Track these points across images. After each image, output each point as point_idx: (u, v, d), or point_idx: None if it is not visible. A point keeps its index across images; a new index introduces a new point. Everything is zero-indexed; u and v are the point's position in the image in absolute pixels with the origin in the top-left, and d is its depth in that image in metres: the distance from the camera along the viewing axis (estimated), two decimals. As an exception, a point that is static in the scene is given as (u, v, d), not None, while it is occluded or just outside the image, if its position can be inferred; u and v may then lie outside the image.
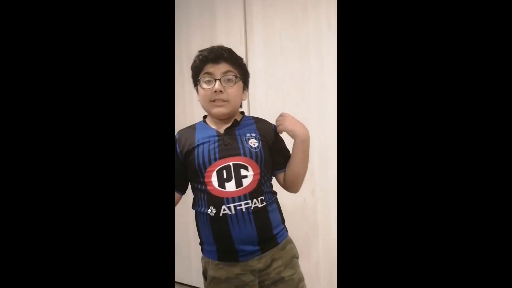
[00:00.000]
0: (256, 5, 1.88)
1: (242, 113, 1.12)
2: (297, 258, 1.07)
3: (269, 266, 0.99)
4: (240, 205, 0.95)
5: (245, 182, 0.97)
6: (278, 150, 1.07)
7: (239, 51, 1.91)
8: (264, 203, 0.99)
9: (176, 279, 2.27)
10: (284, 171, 1.07)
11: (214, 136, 1.02)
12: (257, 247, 0.97)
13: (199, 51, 1.04)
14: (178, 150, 1.04)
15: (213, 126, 1.05)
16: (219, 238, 0.98)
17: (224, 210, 0.95)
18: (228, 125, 1.04)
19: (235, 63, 1.03)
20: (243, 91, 1.07)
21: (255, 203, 0.97)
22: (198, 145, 1.01)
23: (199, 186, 1.00)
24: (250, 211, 0.96)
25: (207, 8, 2.09)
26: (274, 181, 1.10)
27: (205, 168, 0.98)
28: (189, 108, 2.17)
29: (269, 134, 1.06)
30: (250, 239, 0.96)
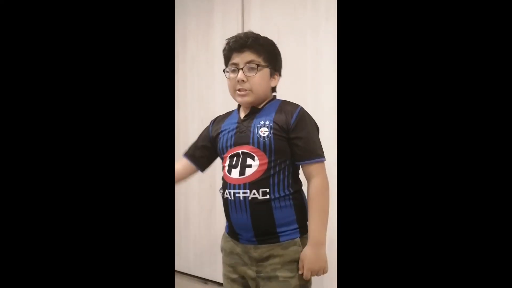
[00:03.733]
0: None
1: (275, 96, 1.10)
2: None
3: (266, 259, 0.98)
4: (239, 193, 0.98)
5: (248, 171, 0.97)
6: (294, 139, 0.99)
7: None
8: (267, 196, 0.96)
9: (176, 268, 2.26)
10: (305, 164, 0.99)
11: (235, 123, 1.06)
12: (253, 238, 0.99)
13: (227, 40, 1.05)
14: (210, 132, 1.14)
15: (241, 113, 1.08)
16: (226, 216, 1.05)
17: (226, 194, 1.01)
18: (247, 112, 1.06)
19: (260, 50, 1.01)
20: (272, 77, 1.05)
21: (254, 194, 0.96)
22: (222, 131, 1.08)
23: (222, 169, 1.07)
24: (247, 201, 0.97)
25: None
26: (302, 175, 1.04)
27: (223, 153, 1.05)
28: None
29: (286, 121, 0.99)
30: (245, 227, 0.99)
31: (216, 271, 2.06)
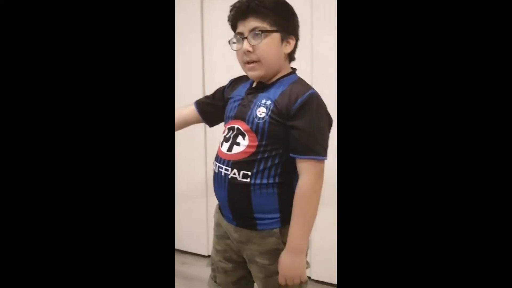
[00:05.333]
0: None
1: (294, 70, 0.99)
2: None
3: (245, 243, 0.95)
4: (222, 168, 0.94)
5: (235, 149, 0.92)
6: (291, 128, 0.88)
7: (196, 24, 1.88)
8: (247, 180, 0.90)
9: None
10: (297, 159, 0.88)
11: (243, 93, 0.98)
12: (232, 218, 0.96)
13: (230, 6, 0.94)
14: (225, 92, 1.05)
15: (254, 84, 0.99)
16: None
17: (214, 166, 0.98)
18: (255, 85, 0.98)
19: (265, 13, 0.89)
20: (285, 41, 0.92)
21: (234, 174, 0.91)
22: (231, 97, 1.01)
23: None
24: (227, 178, 0.93)
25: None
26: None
27: (225, 123, 1.00)
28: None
29: (288, 105, 0.88)
30: (224, 203, 0.97)
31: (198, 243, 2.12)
